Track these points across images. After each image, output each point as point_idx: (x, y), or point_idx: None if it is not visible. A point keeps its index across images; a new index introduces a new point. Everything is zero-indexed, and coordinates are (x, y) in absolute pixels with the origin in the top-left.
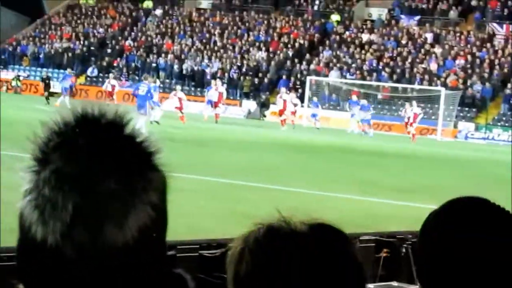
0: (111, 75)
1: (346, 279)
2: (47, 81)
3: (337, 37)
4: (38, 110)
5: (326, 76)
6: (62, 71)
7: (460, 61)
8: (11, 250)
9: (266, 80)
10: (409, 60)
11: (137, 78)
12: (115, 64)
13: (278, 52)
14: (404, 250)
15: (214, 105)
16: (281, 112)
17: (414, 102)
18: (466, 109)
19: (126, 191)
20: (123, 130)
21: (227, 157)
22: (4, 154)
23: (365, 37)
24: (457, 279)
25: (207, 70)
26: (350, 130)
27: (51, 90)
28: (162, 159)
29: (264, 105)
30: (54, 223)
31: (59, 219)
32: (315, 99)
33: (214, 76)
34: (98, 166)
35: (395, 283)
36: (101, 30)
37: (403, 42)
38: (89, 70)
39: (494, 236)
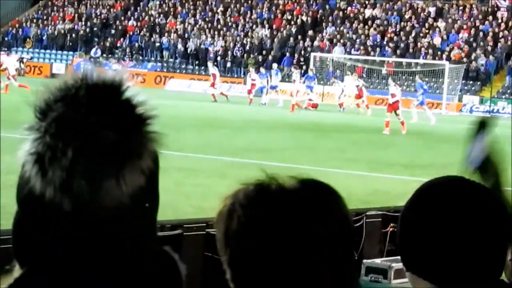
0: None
1: (337, 234)
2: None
3: (340, 13)
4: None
5: (330, 52)
6: (65, 52)
7: (464, 35)
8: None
9: (270, 57)
10: (413, 34)
11: (140, 58)
12: (118, 45)
13: (281, 29)
14: None
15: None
16: (249, 92)
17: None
18: (471, 82)
19: (123, 141)
20: (121, 94)
21: (232, 136)
22: (12, 137)
23: (368, 12)
24: (435, 256)
25: (211, 49)
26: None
27: (54, 72)
28: (155, 126)
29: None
30: (54, 171)
31: (59, 166)
32: (310, 72)
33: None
34: (97, 115)
35: None
36: (103, 10)
37: (406, 16)
38: (92, 51)
39: (470, 213)
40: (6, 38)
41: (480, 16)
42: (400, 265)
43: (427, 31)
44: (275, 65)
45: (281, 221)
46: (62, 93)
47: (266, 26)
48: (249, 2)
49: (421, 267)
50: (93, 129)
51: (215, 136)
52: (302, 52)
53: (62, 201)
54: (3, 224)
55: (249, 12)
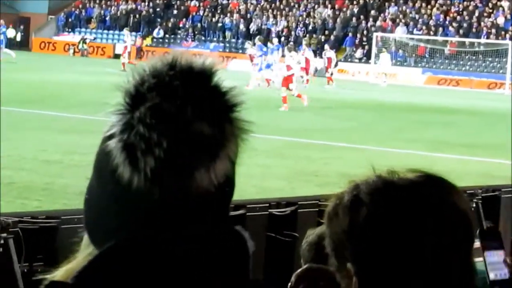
0: None
1: (460, 228)
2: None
3: None
4: (106, 73)
5: (392, 32)
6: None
7: None
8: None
9: (332, 37)
10: (476, 14)
11: (203, 38)
12: (180, 25)
13: (344, 9)
14: (474, 205)
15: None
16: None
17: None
18: None
19: (216, 132)
20: (211, 80)
21: (292, 115)
22: (76, 117)
23: None
24: None
25: (273, 29)
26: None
27: (117, 52)
28: (242, 113)
29: None
30: (146, 161)
31: (152, 156)
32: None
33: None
34: (192, 107)
35: None
36: None
37: None
38: (155, 31)
39: None
40: (69, 19)
41: None
42: (475, 244)
43: (490, 10)
44: (275, 40)
45: (409, 211)
46: (155, 80)
47: (329, 6)
48: None
49: None
50: (188, 121)
51: (274, 115)
52: (365, 32)
53: (151, 191)
54: (65, 204)
55: None
